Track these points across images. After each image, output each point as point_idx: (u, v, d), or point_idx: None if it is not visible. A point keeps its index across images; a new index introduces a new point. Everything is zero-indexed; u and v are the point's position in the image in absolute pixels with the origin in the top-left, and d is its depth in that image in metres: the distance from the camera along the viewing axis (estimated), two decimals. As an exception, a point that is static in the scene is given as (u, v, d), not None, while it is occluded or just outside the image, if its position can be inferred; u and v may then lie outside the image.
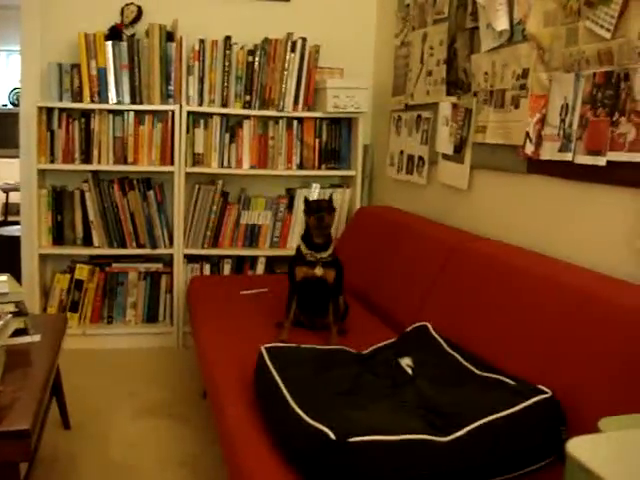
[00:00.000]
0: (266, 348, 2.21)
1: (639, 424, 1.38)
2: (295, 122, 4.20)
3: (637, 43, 2.05)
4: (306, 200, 2.83)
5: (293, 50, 4.08)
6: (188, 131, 4.03)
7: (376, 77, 4.48)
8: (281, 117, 4.17)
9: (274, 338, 2.65)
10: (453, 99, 3.30)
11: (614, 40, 2.16)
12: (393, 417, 1.76)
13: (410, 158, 3.82)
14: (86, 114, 3.93)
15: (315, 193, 4.21)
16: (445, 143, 3.36)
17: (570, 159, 2.37)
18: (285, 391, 1.90)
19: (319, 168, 4.27)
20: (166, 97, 3.99)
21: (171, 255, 4.12)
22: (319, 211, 2.74)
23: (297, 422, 1.73)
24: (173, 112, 3.96)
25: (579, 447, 1.00)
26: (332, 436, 1.60)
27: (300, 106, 4.16)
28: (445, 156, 3.39)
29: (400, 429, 1.64)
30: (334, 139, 4.28)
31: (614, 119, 2.16)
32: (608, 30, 2.17)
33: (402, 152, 3.93)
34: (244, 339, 2.69)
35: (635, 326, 1.80)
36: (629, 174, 2.12)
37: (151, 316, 4.21)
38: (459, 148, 3.23)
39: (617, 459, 1.01)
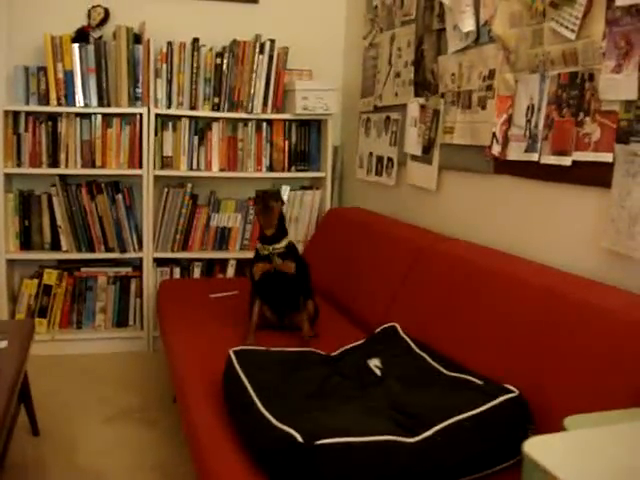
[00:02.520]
0: (235, 352, 2.20)
1: (604, 422, 1.39)
2: (264, 124, 4.20)
3: (601, 44, 2.07)
4: (256, 192, 2.85)
5: (262, 52, 4.07)
6: (156, 134, 4.00)
7: (345, 79, 4.48)
8: (250, 119, 4.16)
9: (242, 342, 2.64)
10: (421, 100, 3.31)
11: (578, 41, 2.18)
12: (361, 419, 1.76)
13: (379, 159, 3.83)
14: (53, 117, 3.89)
15: (285, 195, 4.20)
16: (413, 144, 3.37)
17: (536, 159, 2.40)
18: (253, 394, 1.89)
19: (289, 170, 4.27)
20: (134, 100, 3.96)
21: (140, 259, 4.09)
22: (264, 199, 2.76)
23: (265, 425, 1.73)
24: (141, 115, 3.93)
25: (536, 447, 1.00)
26: (300, 439, 1.60)
27: (269, 108, 4.14)
28: (414, 157, 3.40)
29: (368, 430, 1.64)
30: (303, 141, 4.28)
31: (579, 119, 2.18)
32: (572, 31, 2.19)
33: (371, 153, 3.94)
34: (214, 343, 2.68)
35: (602, 325, 1.81)
36: (594, 174, 2.14)
37: (121, 320, 4.17)
38: (427, 149, 3.24)
39: (574, 458, 1.02)
